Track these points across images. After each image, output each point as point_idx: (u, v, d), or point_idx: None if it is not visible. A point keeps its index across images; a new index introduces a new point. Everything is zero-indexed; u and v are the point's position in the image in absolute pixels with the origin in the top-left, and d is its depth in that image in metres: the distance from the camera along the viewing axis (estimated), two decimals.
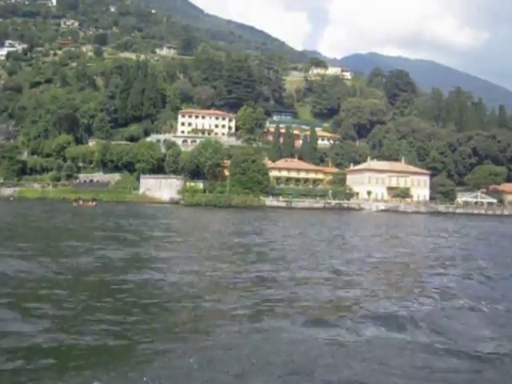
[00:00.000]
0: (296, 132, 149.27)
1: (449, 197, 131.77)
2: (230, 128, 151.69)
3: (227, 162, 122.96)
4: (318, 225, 56.36)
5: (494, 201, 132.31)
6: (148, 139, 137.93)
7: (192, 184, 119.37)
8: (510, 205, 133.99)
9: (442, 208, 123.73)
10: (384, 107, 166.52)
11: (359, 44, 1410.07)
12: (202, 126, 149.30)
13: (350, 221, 72.58)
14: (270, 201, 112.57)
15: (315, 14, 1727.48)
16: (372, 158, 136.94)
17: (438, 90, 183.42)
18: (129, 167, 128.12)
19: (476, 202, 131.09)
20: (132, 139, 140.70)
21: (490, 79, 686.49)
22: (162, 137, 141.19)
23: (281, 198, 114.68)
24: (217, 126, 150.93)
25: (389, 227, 58.25)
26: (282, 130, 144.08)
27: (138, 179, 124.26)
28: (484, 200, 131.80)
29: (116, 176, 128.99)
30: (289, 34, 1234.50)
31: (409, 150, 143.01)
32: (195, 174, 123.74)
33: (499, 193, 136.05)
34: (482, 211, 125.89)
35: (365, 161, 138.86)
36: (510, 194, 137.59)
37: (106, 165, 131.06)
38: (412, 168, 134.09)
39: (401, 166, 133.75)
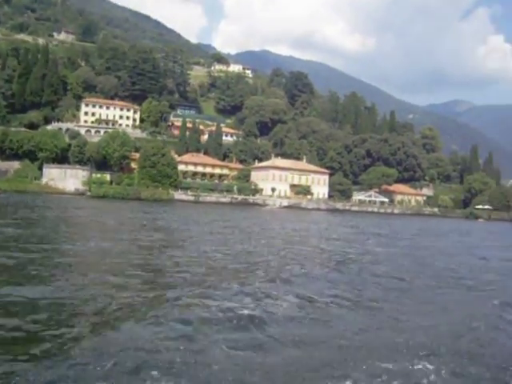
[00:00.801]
0: (200, 127, 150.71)
1: (345, 195, 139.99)
2: (134, 120, 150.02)
3: (134, 155, 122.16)
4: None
5: (386, 200, 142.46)
6: (49, 127, 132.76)
7: (98, 175, 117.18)
8: (399, 204, 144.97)
9: (339, 206, 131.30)
10: (285, 107, 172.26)
11: (252, 41, 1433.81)
12: (106, 117, 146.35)
13: (251, 216, 75.26)
14: (178, 194, 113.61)
15: (211, 8, 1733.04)
16: (276, 156, 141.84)
17: (335, 94, 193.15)
18: (30, 156, 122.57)
19: (370, 201, 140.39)
20: (31, 126, 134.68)
21: (373, 83, 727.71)
22: (63, 125, 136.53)
23: (189, 192, 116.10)
24: (121, 117, 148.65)
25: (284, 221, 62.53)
26: (189, 125, 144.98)
27: (40, 168, 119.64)
28: (377, 199, 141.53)
29: (15, 164, 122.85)
30: (184, 25, 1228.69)
31: (309, 150, 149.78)
32: (101, 165, 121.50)
33: (390, 193, 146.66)
34: (375, 209, 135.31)
35: (267, 158, 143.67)
36: (400, 194, 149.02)
37: (4, 152, 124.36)
38: (313, 167, 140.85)
39: (303, 164, 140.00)
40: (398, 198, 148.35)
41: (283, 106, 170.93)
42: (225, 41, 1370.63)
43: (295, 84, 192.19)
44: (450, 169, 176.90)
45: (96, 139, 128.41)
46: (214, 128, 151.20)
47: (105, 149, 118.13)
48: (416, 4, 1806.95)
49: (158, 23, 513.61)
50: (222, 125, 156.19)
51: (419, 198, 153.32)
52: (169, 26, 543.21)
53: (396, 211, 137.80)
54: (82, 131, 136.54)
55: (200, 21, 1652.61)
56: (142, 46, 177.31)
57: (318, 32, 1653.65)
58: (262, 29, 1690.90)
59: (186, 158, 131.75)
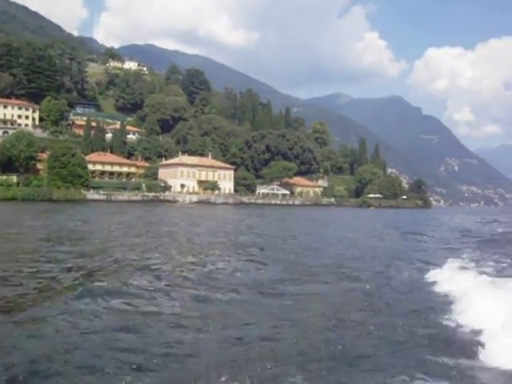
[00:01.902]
0: (93, 124, 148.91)
1: (250, 189, 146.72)
2: (33, 119, 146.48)
3: (40, 155, 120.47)
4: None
5: (287, 192, 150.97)
6: None
7: (4, 177, 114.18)
8: (299, 196, 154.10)
9: (245, 199, 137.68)
10: (185, 104, 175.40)
11: (136, 34, 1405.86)
12: (3, 116, 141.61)
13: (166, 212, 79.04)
14: (90, 194, 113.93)
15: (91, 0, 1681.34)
16: (183, 153, 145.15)
17: (232, 91, 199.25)
18: None
19: (273, 194, 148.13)
20: None
21: (258, 77, 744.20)
22: None
23: (101, 192, 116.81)
24: (20, 116, 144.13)
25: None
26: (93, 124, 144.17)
27: None
28: (279, 192, 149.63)
29: None
30: (63, 17, 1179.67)
31: (212, 146, 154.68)
32: (4, 167, 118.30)
33: (290, 185, 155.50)
34: (278, 202, 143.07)
35: (171, 155, 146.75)
36: (299, 187, 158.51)
37: None
38: (218, 163, 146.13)
39: (209, 161, 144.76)
40: (298, 190, 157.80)
41: (183, 104, 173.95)
42: (107, 34, 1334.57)
43: (192, 81, 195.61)
44: (341, 161, 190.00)
45: None
46: (116, 126, 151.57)
47: (10, 150, 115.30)
48: (297, 1, 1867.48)
49: (36, 15, 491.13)
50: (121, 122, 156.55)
51: (317, 190, 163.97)
52: (48, 17, 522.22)
53: (297, 202, 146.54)
54: None
55: (80, 13, 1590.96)
56: (37, 42, 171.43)
57: (202, 26, 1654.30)
58: (146, 22, 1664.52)
59: (93, 157, 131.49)
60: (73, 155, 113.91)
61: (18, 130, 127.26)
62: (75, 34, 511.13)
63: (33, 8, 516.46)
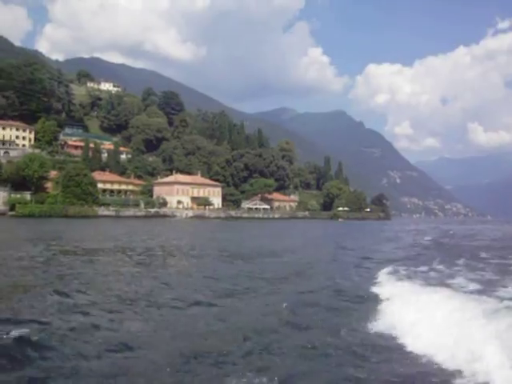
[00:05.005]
0: (90, 145, 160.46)
1: (236, 204, 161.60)
2: (29, 140, 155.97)
3: (50, 174, 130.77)
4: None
5: (268, 207, 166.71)
6: None
7: (18, 196, 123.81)
8: (277, 210, 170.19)
9: (233, 213, 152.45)
10: (166, 125, 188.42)
11: (81, 47, 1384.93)
12: (2, 137, 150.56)
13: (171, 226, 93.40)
14: (101, 211, 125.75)
15: (35, 11, 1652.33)
16: (170, 171, 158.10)
17: (206, 113, 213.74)
18: None
19: (256, 208, 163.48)
20: None
21: (205, 92, 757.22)
22: None
23: (111, 208, 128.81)
24: (18, 137, 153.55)
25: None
26: (80, 143, 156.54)
27: None
28: (261, 206, 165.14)
29: None
30: (5, 28, 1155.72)
31: (198, 165, 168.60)
32: (17, 186, 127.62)
33: (269, 200, 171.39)
34: (261, 215, 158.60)
35: (159, 173, 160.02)
36: (278, 201, 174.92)
37: None
38: (208, 181, 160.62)
39: (200, 179, 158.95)
40: (276, 204, 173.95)
41: (165, 125, 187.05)
42: (52, 46, 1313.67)
43: (168, 103, 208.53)
44: (309, 177, 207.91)
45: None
46: (105, 146, 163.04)
47: (25, 170, 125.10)
48: (242, 16, 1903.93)
49: None
50: (107, 142, 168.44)
51: (292, 204, 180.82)
52: None
53: (276, 216, 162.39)
54: None
55: (24, 24, 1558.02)
56: (28, 66, 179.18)
57: (149, 40, 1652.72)
58: (91, 35, 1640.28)
59: (96, 175, 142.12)
60: (85, 175, 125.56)
61: (30, 152, 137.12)
62: (18, 44, 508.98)
63: None
